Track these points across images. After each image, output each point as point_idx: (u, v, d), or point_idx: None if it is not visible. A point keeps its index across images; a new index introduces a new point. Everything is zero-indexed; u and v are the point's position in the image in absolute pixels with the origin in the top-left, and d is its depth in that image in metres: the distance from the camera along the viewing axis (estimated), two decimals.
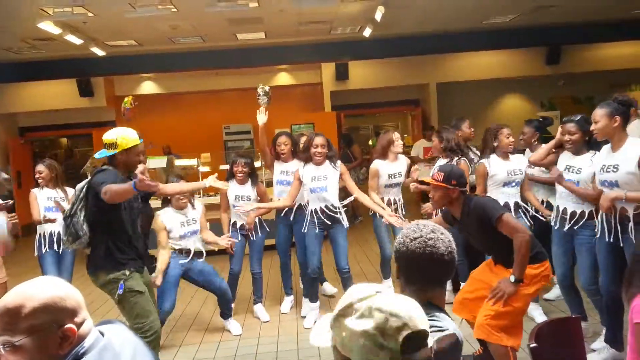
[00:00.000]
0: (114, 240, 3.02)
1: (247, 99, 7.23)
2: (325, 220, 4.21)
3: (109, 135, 3.05)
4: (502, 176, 3.92)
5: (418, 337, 1.10)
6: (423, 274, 1.52)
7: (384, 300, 1.12)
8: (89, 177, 3.08)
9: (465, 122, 4.90)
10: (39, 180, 4.58)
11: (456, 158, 4.29)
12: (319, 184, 4.19)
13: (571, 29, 9.04)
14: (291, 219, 4.46)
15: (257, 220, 4.45)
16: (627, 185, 2.93)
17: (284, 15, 7.28)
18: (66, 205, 4.50)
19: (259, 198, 4.48)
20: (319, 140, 4.19)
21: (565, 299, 3.71)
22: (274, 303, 4.86)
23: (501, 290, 2.70)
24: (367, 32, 8.07)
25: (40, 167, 4.60)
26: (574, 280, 3.61)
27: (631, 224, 2.94)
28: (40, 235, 4.52)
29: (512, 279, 2.70)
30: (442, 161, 4.37)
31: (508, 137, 3.95)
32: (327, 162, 4.24)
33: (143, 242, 3.29)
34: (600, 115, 3.00)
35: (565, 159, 3.52)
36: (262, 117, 4.49)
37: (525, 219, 3.96)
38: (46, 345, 1.26)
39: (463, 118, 5.01)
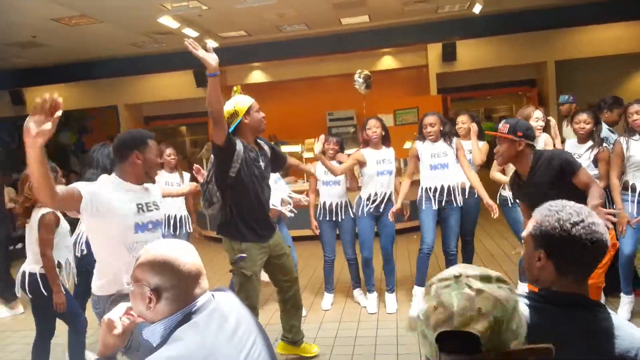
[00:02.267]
0: (237, 209, 3.09)
1: (351, 84, 7.23)
2: (441, 198, 4.17)
3: (226, 107, 3.03)
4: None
5: (458, 338, 0.96)
6: (585, 263, 1.29)
7: (450, 287, 1.02)
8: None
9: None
10: (172, 162, 4.64)
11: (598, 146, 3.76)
12: (439, 160, 4.16)
13: None
14: (381, 210, 4.25)
15: (344, 201, 4.42)
16: None
17: None
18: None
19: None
20: (428, 119, 4.19)
21: None
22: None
23: None
24: (477, 9, 7.66)
25: (170, 150, 4.69)
26: None
27: None
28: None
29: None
30: (576, 145, 3.86)
31: (637, 113, 3.59)
32: (442, 139, 4.20)
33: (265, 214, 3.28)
34: None
35: None
36: (318, 146, 3.94)
37: None
38: (142, 298, 1.41)
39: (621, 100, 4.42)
